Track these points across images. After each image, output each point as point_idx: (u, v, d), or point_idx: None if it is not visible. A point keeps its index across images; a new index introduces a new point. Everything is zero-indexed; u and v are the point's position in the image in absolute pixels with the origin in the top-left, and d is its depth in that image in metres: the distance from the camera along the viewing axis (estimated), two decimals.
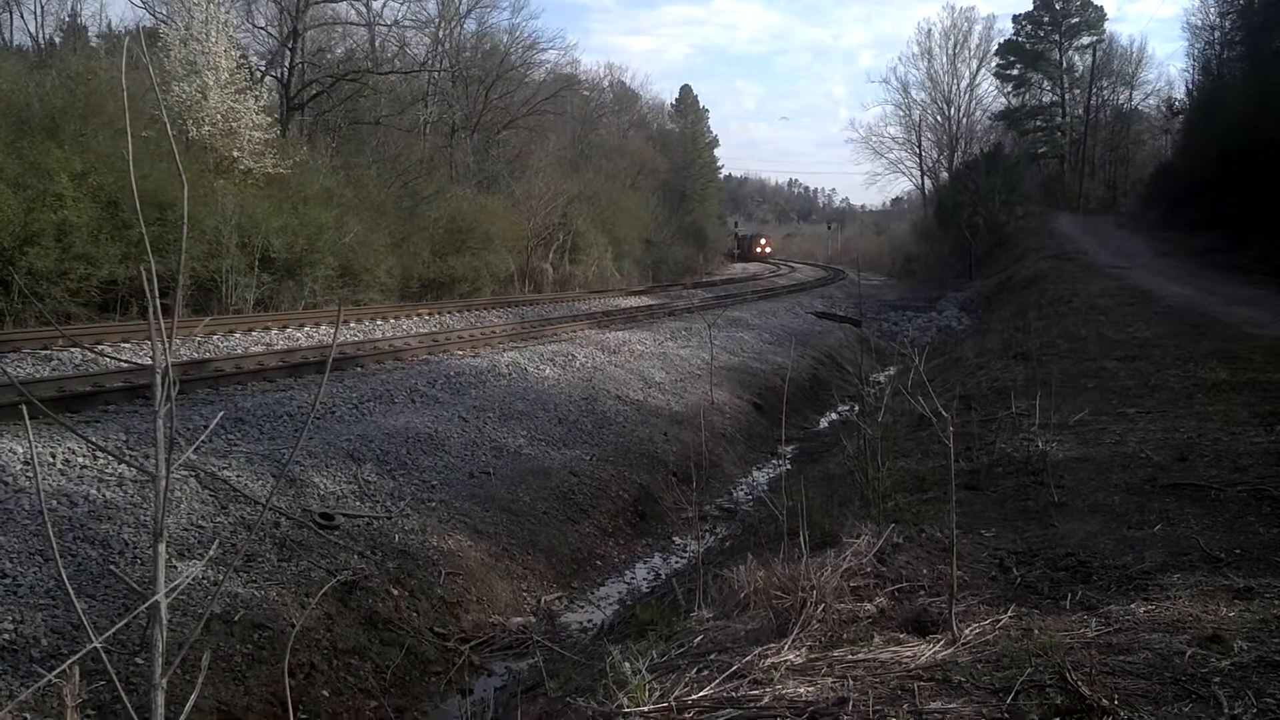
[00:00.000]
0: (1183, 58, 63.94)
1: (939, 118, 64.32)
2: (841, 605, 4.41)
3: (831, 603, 4.34)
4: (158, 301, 1.90)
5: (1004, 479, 7.56)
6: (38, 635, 5.16)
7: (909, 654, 3.78)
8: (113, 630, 2.20)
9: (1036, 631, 3.97)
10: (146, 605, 1.85)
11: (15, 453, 7.25)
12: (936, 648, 3.82)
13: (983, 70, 62.98)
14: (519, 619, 7.49)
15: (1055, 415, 8.75)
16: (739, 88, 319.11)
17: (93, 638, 1.78)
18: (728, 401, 15.33)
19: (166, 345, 1.86)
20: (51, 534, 2.00)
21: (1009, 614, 4.23)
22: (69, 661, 1.96)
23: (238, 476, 7.91)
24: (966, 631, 3.96)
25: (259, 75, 27.12)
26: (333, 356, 2.41)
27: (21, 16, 31.78)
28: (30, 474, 6.97)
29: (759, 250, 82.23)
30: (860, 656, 3.79)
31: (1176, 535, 5.56)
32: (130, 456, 7.83)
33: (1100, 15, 59.10)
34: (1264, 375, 10.45)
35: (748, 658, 3.81)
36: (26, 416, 2.11)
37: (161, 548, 1.88)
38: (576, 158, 45.83)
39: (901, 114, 66.81)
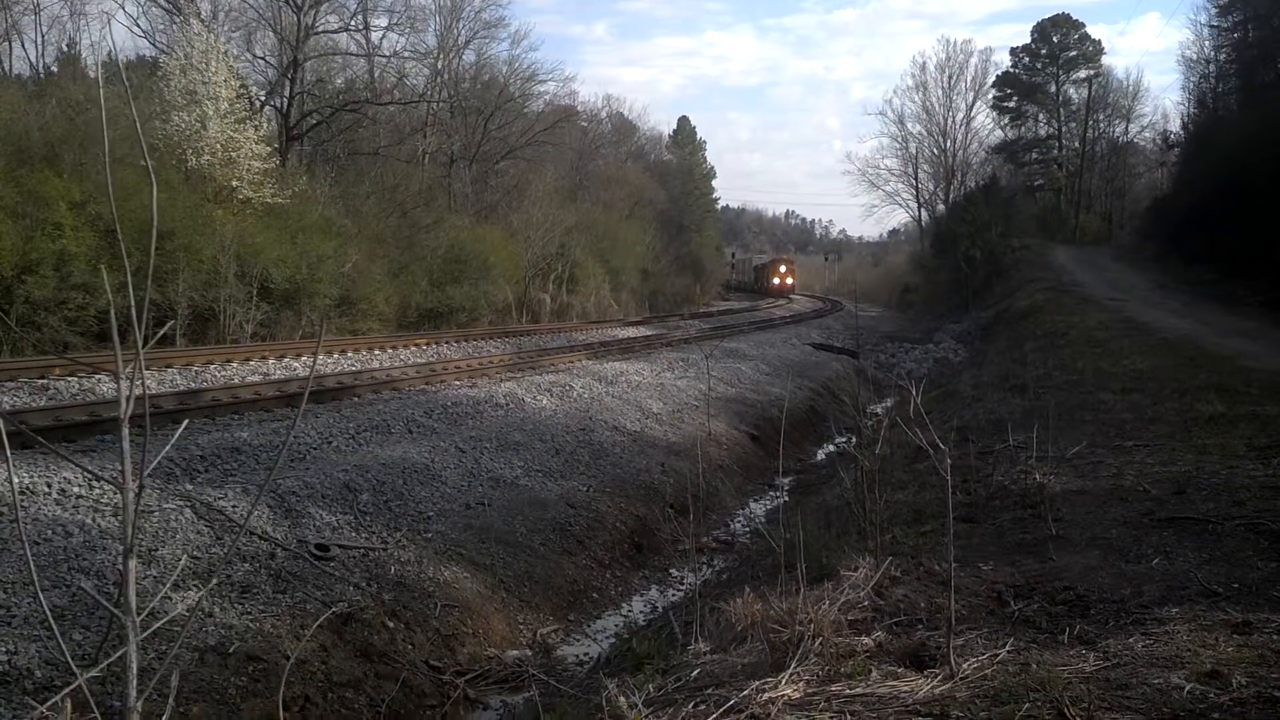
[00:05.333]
0: (1178, 91, 64.56)
1: (935, 150, 64.44)
2: (839, 639, 4.38)
3: (829, 636, 4.32)
4: (116, 311, 1.90)
5: (1002, 512, 7.54)
6: (31, 667, 5.13)
7: (907, 689, 3.76)
8: (98, 669, 2.18)
9: (1034, 666, 3.95)
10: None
11: (9, 483, 7.23)
12: (934, 682, 3.81)
13: (979, 103, 63.29)
14: (515, 652, 7.44)
15: (1052, 448, 8.74)
16: (732, 119, 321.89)
17: (77, 674, 1.76)
18: (725, 433, 15.32)
19: (139, 357, 1.86)
20: (34, 565, 1.99)
21: (1007, 648, 4.21)
22: (60, 695, 1.95)
23: (234, 507, 7.88)
24: (964, 666, 3.94)
25: (258, 105, 27.30)
26: (311, 386, 2.41)
27: (23, 46, 32.00)
28: (25, 504, 6.96)
29: (778, 283, 65.10)
30: (858, 691, 3.77)
31: (1174, 569, 5.54)
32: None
33: (1098, 49, 59.76)
34: (1261, 408, 10.44)
35: (745, 692, 3.79)
36: (6, 442, 2.05)
37: (131, 564, 1.84)
38: (574, 188, 46.10)
39: (898, 146, 66.92)
